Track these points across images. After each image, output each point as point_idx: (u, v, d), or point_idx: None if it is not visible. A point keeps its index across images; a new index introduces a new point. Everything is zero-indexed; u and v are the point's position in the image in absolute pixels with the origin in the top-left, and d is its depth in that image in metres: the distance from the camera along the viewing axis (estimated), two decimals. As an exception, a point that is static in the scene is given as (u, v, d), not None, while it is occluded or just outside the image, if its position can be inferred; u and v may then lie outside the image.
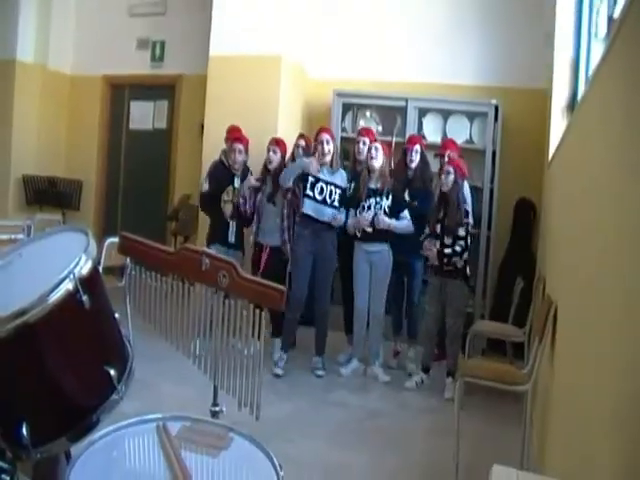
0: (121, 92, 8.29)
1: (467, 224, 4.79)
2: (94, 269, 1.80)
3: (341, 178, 5.23)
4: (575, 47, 5.02)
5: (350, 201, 5.21)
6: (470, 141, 6.26)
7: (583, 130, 2.70)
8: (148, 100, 8.09)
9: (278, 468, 1.65)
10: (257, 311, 1.98)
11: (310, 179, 5.13)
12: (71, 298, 1.70)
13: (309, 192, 5.12)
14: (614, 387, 1.50)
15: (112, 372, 1.80)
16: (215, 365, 2.03)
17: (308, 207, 5.11)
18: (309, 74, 7.00)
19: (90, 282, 1.76)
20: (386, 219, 5.00)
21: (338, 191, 5.16)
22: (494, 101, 6.01)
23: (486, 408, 4.38)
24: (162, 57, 7.95)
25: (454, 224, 4.75)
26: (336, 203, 5.15)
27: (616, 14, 3.24)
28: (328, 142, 5.14)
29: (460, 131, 6.25)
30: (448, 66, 6.52)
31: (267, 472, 1.65)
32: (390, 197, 5.07)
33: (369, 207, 5.06)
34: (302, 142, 5.60)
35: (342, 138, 6.36)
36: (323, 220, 5.11)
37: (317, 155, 5.13)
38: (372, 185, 5.11)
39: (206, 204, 5.56)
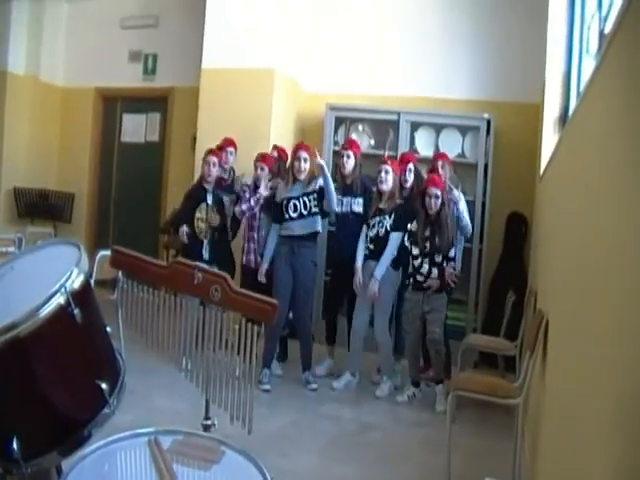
0: (113, 105, 8.29)
1: (454, 246, 4.91)
2: (86, 283, 1.80)
3: (314, 183, 5.11)
4: (566, 62, 5.06)
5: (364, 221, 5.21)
6: (462, 155, 6.29)
7: (574, 145, 2.72)
8: (140, 113, 8.10)
9: (270, 482, 1.64)
10: (249, 325, 1.98)
11: (283, 202, 5.09)
12: (63, 312, 1.70)
13: (285, 215, 5.08)
14: (606, 400, 1.50)
15: (104, 386, 1.79)
16: (207, 379, 2.02)
17: (287, 229, 5.08)
18: (302, 87, 7.03)
19: (82, 296, 1.76)
20: (375, 286, 4.97)
21: (312, 197, 5.08)
22: (486, 115, 6.04)
23: (478, 421, 4.37)
24: (154, 70, 7.96)
25: (445, 245, 4.80)
26: (315, 209, 5.08)
27: (607, 30, 3.27)
28: (305, 160, 5.07)
29: (452, 145, 6.28)
30: (441, 80, 6.56)
31: (258, 486, 1.65)
32: (393, 215, 5.05)
33: (373, 225, 5.10)
34: (274, 154, 5.66)
35: (334, 152, 6.37)
36: (303, 234, 5.07)
37: (290, 172, 5.14)
38: (381, 205, 5.11)
39: (174, 224, 5.53)
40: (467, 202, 6.17)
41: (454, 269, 4.87)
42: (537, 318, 3.28)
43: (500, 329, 5.01)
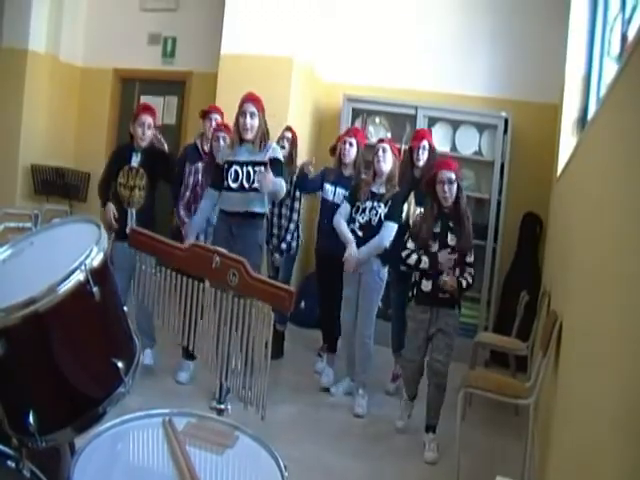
0: (131, 86, 8.29)
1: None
2: (105, 261, 1.79)
3: (266, 151, 4.24)
4: (587, 64, 5.03)
5: (349, 199, 4.61)
6: (479, 152, 6.26)
7: (594, 147, 2.70)
8: (158, 95, 8.09)
9: (283, 469, 1.64)
10: (266, 310, 1.97)
11: (224, 166, 4.26)
12: (82, 289, 1.68)
13: (224, 183, 4.25)
14: (618, 402, 1.49)
15: (120, 364, 1.78)
16: (221, 363, 2.02)
17: (224, 201, 4.29)
18: (320, 77, 7.01)
19: (101, 274, 1.75)
20: (353, 261, 4.38)
21: (260, 168, 4.16)
22: (504, 113, 6.01)
23: (488, 420, 4.37)
24: (173, 53, 7.96)
25: (465, 245, 3.98)
26: (257, 185, 4.13)
27: (630, 33, 3.24)
28: (253, 116, 4.19)
29: (469, 142, 6.26)
30: (460, 76, 6.53)
31: (272, 472, 1.65)
32: (389, 204, 4.45)
33: (363, 210, 4.47)
34: (288, 134, 5.32)
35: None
36: (244, 211, 4.22)
37: (235, 130, 4.28)
38: (374, 189, 4.51)
39: (100, 190, 4.80)
40: (482, 200, 6.17)
41: (469, 279, 3.96)
42: (550, 319, 3.27)
43: (512, 328, 4.99)
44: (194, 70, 7.68)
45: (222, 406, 2.01)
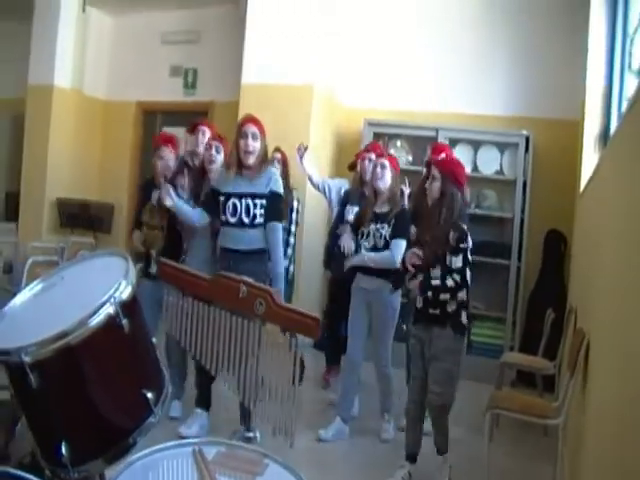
0: (153, 118, 8.43)
1: (465, 250, 3.38)
2: (133, 294, 1.83)
3: (266, 181, 3.82)
4: (607, 78, 5.01)
5: (354, 227, 4.28)
6: (500, 172, 6.26)
7: (619, 162, 2.69)
8: (180, 126, 8.19)
9: (312, 496, 1.65)
10: (293, 339, 1.99)
11: (220, 198, 3.85)
12: (112, 322, 1.73)
13: (222, 217, 3.85)
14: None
15: (149, 395, 1.82)
16: (249, 391, 2.04)
17: (223, 236, 3.88)
18: (340, 103, 7.07)
19: (130, 306, 1.80)
20: (356, 257, 4.11)
21: (260, 202, 3.79)
22: (525, 132, 6.01)
23: (516, 441, 4.32)
24: (194, 84, 8.10)
25: (447, 249, 3.37)
26: (260, 219, 3.80)
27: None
28: (255, 137, 3.77)
29: (491, 162, 6.26)
30: (479, 97, 6.55)
31: (301, 499, 1.66)
32: (392, 223, 4.08)
33: (367, 234, 4.13)
34: (277, 155, 5.04)
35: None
36: (245, 249, 3.80)
37: (234, 155, 3.83)
38: (377, 209, 4.16)
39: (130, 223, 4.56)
40: (505, 219, 6.14)
41: (463, 305, 3.42)
42: (578, 337, 3.24)
43: (538, 348, 4.94)
44: (215, 100, 7.79)
45: (251, 434, 2.03)
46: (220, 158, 4.16)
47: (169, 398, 1.94)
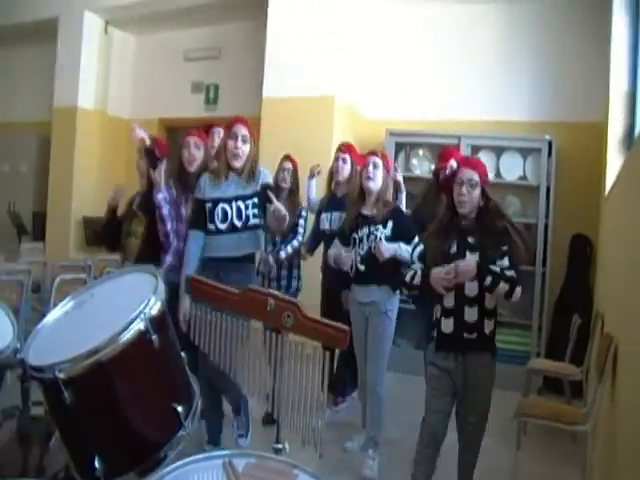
0: (176, 135, 8.51)
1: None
2: (163, 310, 1.87)
3: (255, 182, 3.54)
4: (631, 80, 4.99)
5: (339, 235, 3.92)
6: (523, 178, 6.22)
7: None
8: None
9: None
10: (321, 350, 2.02)
11: (207, 205, 3.54)
12: (142, 337, 1.78)
13: (209, 226, 3.52)
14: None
15: (179, 409, 1.86)
16: (278, 402, 2.07)
17: (211, 247, 3.53)
18: (362, 114, 7.10)
19: (159, 322, 1.84)
20: (389, 245, 3.60)
21: (252, 201, 3.52)
22: (548, 136, 5.98)
23: (544, 449, 4.28)
24: (216, 100, 8.19)
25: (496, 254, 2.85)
26: (254, 220, 3.55)
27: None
28: (245, 139, 3.53)
29: (513, 168, 6.23)
30: (500, 102, 6.53)
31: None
32: (390, 224, 3.71)
33: (360, 240, 3.75)
34: (288, 165, 4.68)
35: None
36: (235, 255, 3.51)
37: (222, 158, 3.57)
38: (366, 211, 3.79)
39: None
40: (528, 225, 6.11)
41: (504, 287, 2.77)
42: (605, 342, 3.22)
43: (565, 353, 4.91)
44: (237, 115, 7.83)
45: (279, 445, 2.05)
46: (199, 155, 3.86)
47: (199, 411, 1.98)
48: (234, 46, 7.98)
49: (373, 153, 3.89)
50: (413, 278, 2.99)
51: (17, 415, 2.08)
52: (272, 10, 6.73)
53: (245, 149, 3.51)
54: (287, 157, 4.84)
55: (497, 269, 2.79)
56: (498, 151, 6.29)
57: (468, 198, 2.89)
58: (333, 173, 4.44)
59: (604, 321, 4.06)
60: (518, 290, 2.78)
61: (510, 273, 2.79)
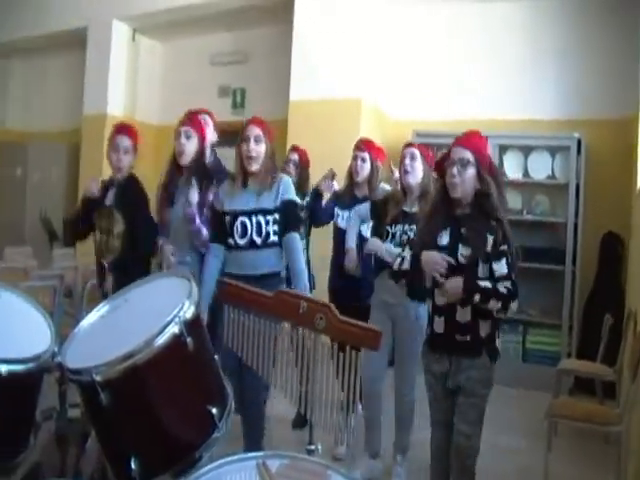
0: (204, 139, 8.60)
1: (506, 253, 2.58)
2: (197, 313, 1.91)
3: (276, 192, 3.32)
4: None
5: (374, 233, 3.65)
6: (552, 176, 6.18)
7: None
8: (229, 146, 8.33)
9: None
10: (353, 352, 2.03)
11: (226, 218, 3.33)
12: (177, 341, 1.81)
13: (229, 240, 3.32)
14: None
15: (214, 411, 1.89)
16: (311, 403, 2.09)
17: (231, 262, 3.33)
18: (388, 115, 7.10)
19: (193, 325, 1.87)
20: (377, 243, 3.40)
21: (272, 217, 3.30)
22: (577, 134, 5.93)
23: (575, 450, 4.24)
24: (243, 103, 8.23)
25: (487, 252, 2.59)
26: (273, 237, 3.31)
27: None
28: (258, 140, 3.31)
29: (542, 167, 6.19)
30: (528, 101, 6.48)
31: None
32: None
33: (393, 235, 3.48)
34: (294, 156, 4.61)
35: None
36: (253, 274, 3.21)
37: (236, 166, 3.37)
38: (406, 208, 3.53)
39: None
40: (558, 224, 6.05)
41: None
42: (638, 341, 3.20)
43: (596, 354, 4.86)
44: (264, 119, 7.87)
45: (312, 447, 2.07)
46: (192, 147, 3.56)
47: (232, 413, 2.01)
48: (260, 50, 8.04)
49: (410, 145, 3.66)
50: (402, 265, 2.76)
51: (55, 417, 2.12)
52: (298, 14, 6.77)
53: (260, 149, 3.30)
54: (294, 148, 4.75)
55: (487, 284, 2.52)
56: (526, 150, 6.26)
57: (459, 180, 2.61)
58: (352, 173, 4.15)
59: (637, 320, 4.02)
60: (513, 305, 2.55)
61: (505, 285, 2.52)
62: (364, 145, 4.17)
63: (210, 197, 3.43)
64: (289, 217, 3.33)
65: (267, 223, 3.28)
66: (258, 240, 3.27)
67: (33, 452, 2.05)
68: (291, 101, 6.73)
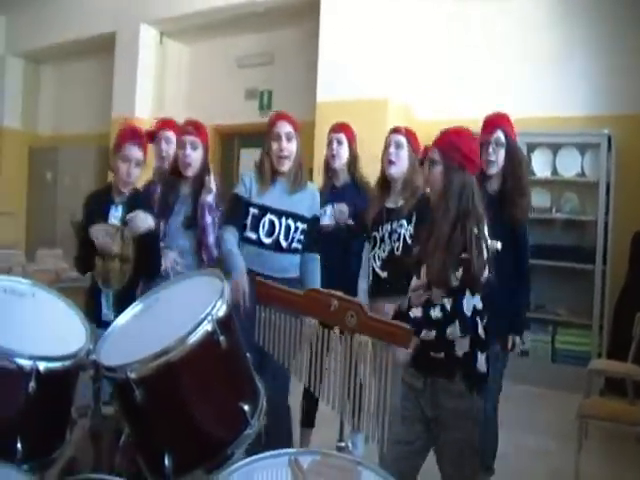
0: (231, 141, 8.65)
1: (467, 260, 2.19)
2: (229, 311, 1.93)
3: (310, 202, 3.25)
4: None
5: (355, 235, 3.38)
6: (582, 174, 6.11)
7: None
8: (257, 147, 8.35)
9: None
10: (385, 349, 2.04)
11: (252, 210, 3.16)
12: (210, 338, 1.84)
13: (249, 233, 3.16)
14: None
15: (246, 408, 1.92)
16: (342, 400, 2.10)
17: (252, 259, 3.11)
18: (415, 115, 7.08)
19: (226, 324, 1.90)
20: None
21: (302, 226, 3.19)
22: (607, 131, 5.86)
23: (606, 451, 4.20)
24: (270, 105, 8.24)
25: (438, 272, 2.25)
26: (296, 244, 3.18)
27: None
28: (290, 137, 3.16)
29: (571, 164, 6.12)
30: (556, 97, 6.40)
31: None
32: (414, 220, 3.06)
33: (382, 239, 3.14)
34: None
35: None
36: (277, 277, 2.95)
37: (266, 161, 3.19)
38: (390, 204, 3.19)
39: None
40: (587, 223, 5.99)
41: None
42: (670, 341, 3.16)
43: (627, 354, 4.80)
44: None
45: (343, 444, 2.08)
46: (198, 158, 3.33)
47: (264, 410, 2.03)
48: (287, 52, 8.06)
49: (396, 130, 3.28)
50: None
51: (89, 414, 2.16)
52: (324, 15, 6.80)
53: (292, 148, 3.15)
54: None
55: (417, 314, 2.24)
56: (555, 148, 6.20)
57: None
58: (328, 160, 3.70)
59: (669, 319, 3.97)
60: (454, 330, 2.18)
61: (441, 310, 2.18)
62: (339, 127, 3.79)
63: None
64: (313, 235, 3.23)
65: (296, 230, 3.16)
66: (284, 243, 3.14)
67: (69, 448, 2.08)
68: (318, 102, 6.76)
